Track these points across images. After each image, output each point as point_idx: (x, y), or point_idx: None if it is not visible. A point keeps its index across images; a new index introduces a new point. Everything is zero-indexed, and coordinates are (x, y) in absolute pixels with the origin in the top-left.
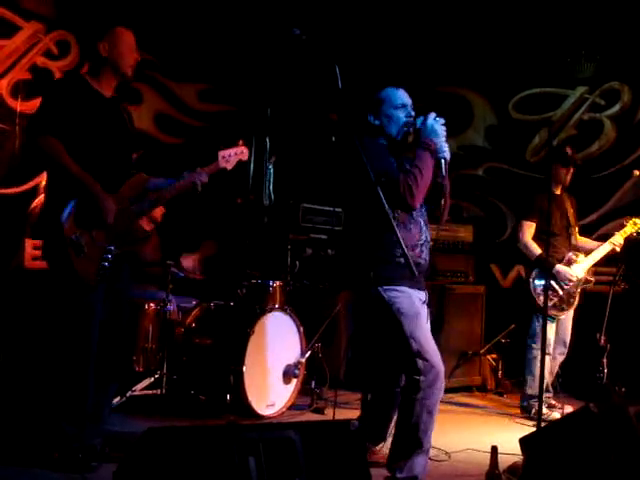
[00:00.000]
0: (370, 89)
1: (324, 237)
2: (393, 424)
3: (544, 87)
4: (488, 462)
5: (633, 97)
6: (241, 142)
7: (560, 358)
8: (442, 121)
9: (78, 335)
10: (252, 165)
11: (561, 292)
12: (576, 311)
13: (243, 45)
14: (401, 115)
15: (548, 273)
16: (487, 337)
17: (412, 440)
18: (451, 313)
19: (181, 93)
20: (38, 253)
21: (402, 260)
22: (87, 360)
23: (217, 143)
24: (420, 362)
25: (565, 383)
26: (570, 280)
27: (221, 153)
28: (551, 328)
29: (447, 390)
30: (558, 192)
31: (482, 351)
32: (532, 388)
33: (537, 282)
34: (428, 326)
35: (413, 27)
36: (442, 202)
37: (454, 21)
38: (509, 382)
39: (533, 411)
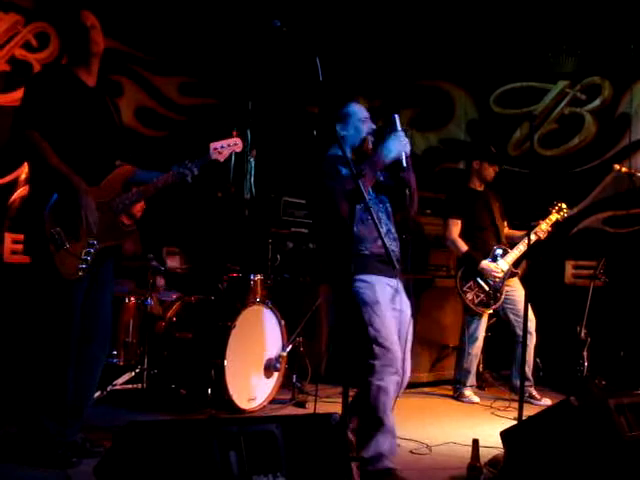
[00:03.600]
0: (351, 84)
1: (305, 231)
2: None
3: (525, 81)
4: (469, 455)
5: (614, 92)
6: (235, 133)
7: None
8: (402, 135)
9: (58, 330)
10: (233, 158)
11: (487, 288)
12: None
13: (224, 38)
14: (364, 127)
15: (474, 269)
16: None
17: (373, 420)
18: (433, 307)
19: (162, 86)
20: (18, 247)
21: (367, 253)
22: (67, 355)
23: (198, 136)
24: (376, 348)
25: (545, 376)
26: (496, 276)
27: (213, 145)
28: (480, 326)
29: (428, 383)
30: (481, 188)
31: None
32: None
33: (463, 281)
34: (393, 314)
35: (395, 20)
36: (407, 193)
37: (436, 15)
38: (490, 375)
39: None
